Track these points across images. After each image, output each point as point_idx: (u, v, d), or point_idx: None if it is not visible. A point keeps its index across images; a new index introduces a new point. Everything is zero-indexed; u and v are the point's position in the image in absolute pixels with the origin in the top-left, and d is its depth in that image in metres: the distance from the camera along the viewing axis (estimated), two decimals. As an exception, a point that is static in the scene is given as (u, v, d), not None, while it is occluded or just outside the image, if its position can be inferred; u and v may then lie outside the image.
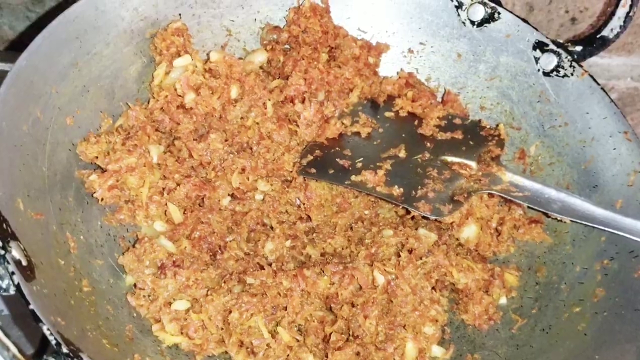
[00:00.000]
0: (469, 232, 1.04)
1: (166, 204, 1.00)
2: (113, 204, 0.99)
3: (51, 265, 0.82)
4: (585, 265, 0.99)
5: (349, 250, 1.01)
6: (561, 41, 1.12)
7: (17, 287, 0.69)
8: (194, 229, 0.99)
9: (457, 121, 1.14)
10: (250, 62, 1.16)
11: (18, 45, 1.50)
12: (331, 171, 1.05)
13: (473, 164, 1.05)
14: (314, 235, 1.05)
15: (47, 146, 0.92)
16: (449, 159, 1.06)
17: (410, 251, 0.97)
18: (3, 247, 0.71)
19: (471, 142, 1.08)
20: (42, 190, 0.88)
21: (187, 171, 1.04)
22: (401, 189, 1.02)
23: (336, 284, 0.93)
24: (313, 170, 1.06)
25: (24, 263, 0.74)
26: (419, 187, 1.02)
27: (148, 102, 1.08)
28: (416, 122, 1.13)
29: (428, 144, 1.08)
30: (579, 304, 0.95)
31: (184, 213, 1.02)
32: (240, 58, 1.18)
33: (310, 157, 1.08)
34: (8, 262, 0.70)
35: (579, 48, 1.11)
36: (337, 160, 1.07)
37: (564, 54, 1.11)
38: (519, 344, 0.96)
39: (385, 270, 0.93)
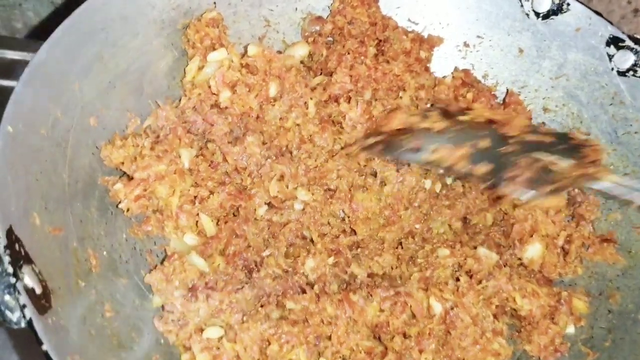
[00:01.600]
0: (533, 250, 0.93)
1: (198, 214, 0.91)
2: (140, 214, 0.89)
3: (69, 289, 0.73)
4: (668, 294, 0.88)
5: (400, 270, 0.91)
6: (639, 37, 1.00)
7: (29, 323, 0.60)
8: (229, 242, 0.89)
9: (543, 129, 1.00)
10: (290, 57, 1.06)
11: (41, 32, 1.42)
12: (399, 150, 0.92)
13: (569, 162, 0.88)
14: (359, 250, 0.95)
15: (68, 150, 0.83)
16: (540, 156, 0.89)
17: (469, 274, 0.86)
18: (14, 274, 0.62)
19: (563, 146, 0.92)
20: (62, 200, 0.79)
21: (221, 177, 0.95)
22: (491, 165, 0.87)
23: (387, 311, 0.83)
24: (380, 147, 0.93)
25: (38, 291, 0.65)
26: (509, 169, 0.87)
27: (179, 101, 0.98)
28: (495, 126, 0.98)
29: (514, 141, 0.92)
30: (661, 339, 0.84)
31: (217, 224, 0.92)
32: (279, 51, 1.08)
33: (373, 140, 0.95)
34: (19, 293, 0.61)
35: (660, 45, 0.98)
36: (406, 143, 0.93)
37: (643, 52, 0.98)
38: (591, 383, 0.85)
39: (442, 296, 0.83)
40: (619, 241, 0.96)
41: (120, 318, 0.79)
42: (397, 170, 0.98)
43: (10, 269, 0.62)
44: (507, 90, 1.10)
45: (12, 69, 1.13)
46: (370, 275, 0.91)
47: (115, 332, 0.76)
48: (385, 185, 0.98)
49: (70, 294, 0.72)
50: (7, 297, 0.61)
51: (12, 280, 0.61)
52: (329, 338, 0.82)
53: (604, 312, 0.93)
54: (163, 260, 0.87)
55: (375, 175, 1.00)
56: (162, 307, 0.84)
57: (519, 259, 0.94)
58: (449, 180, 1.04)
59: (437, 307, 0.83)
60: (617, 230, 0.97)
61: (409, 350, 0.81)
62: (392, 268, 0.92)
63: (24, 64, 0.87)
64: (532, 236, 0.93)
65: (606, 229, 0.98)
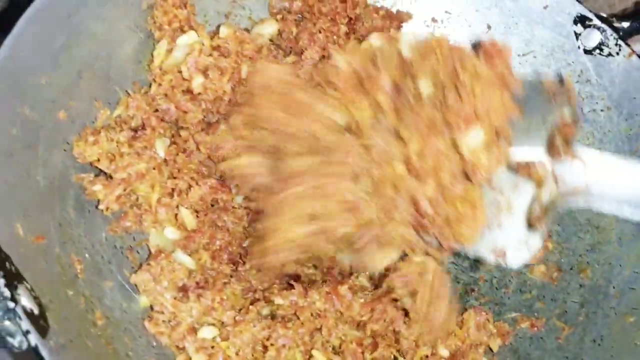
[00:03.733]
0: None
1: (177, 208, 0.88)
2: (118, 210, 0.86)
3: (60, 301, 0.70)
4: (637, 268, 0.92)
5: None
6: (605, 15, 1.02)
7: (35, 350, 0.57)
8: (212, 236, 0.87)
9: None
10: (259, 35, 1.02)
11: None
12: None
13: (542, 155, 0.82)
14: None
15: (40, 150, 0.78)
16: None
17: None
18: (12, 298, 0.59)
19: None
20: (40, 205, 0.75)
21: (197, 167, 0.92)
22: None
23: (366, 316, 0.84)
24: None
25: (36, 311, 0.62)
26: None
27: (149, 87, 0.94)
28: None
29: None
30: (632, 313, 0.89)
31: (196, 216, 0.90)
32: (246, 29, 1.04)
33: None
34: (20, 318, 0.58)
35: (626, 24, 1.00)
36: None
37: (609, 31, 1.00)
38: (568, 357, 0.90)
39: None
40: (588, 217, 1.00)
41: (111, 324, 0.76)
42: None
43: (7, 293, 0.58)
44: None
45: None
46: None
47: (109, 340, 0.74)
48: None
49: (60, 306, 0.69)
50: (7, 323, 0.58)
51: (11, 304, 0.58)
52: (320, 330, 0.82)
53: (576, 287, 0.97)
54: (148, 257, 0.85)
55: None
56: (151, 307, 0.82)
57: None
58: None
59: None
60: (585, 207, 1.01)
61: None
62: None
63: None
64: None
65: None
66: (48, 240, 0.74)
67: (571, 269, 0.99)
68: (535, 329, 0.94)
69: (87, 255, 0.80)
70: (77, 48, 0.84)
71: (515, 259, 0.83)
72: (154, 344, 0.80)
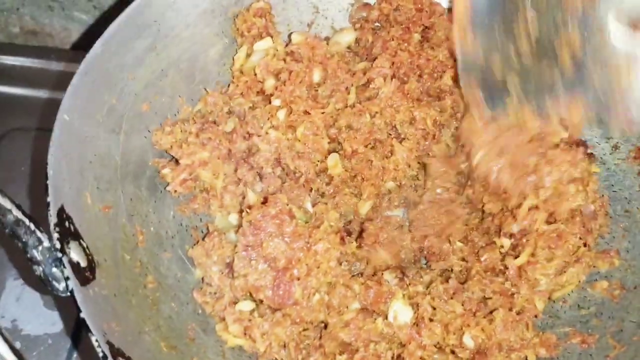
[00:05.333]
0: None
1: (242, 195, 0.97)
2: (188, 193, 0.97)
3: (115, 262, 0.81)
4: None
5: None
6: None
7: (71, 292, 0.69)
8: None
9: None
10: (336, 43, 1.09)
11: (41, 36, 1.49)
12: None
13: None
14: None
15: (122, 135, 0.91)
16: None
17: None
18: (61, 250, 0.71)
19: None
20: (113, 181, 0.88)
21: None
22: None
23: None
24: None
25: (84, 264, 0.73)
26: None
27: (228, 87, 1.04)
28: None
29: None
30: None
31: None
32: (327, 37, 1.11)
33: None
34: (64, 266, 0.70)
35: None
36: None
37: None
38: (615, 377, 0.86)
39: None
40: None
41: (162, 289, 0.87)
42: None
43: (58, 245, 0.70)
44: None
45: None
46: None
47: (155, 301, 0.84)
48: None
49: (115, 266, 0.81)
50: (54, 269, 0.70)
51: (59, 255, 0.70)
52: None
53: (637, 306, 0.92)
54: (205, 236, 0.95)
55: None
56: (202, 279, 0.92)
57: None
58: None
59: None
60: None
61: None
62: None
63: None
64: None
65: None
66: (115, 210, 0.86)
67: (635, 287, 0.93)
68: (586, 345, 0.90)
69: (152, 228, 0.91)
70: (163, 50, 0.96)
71: None
72: (199, 312, 0.90)
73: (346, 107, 1.01)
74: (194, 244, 0.94)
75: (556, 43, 0.82)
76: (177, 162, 0.95)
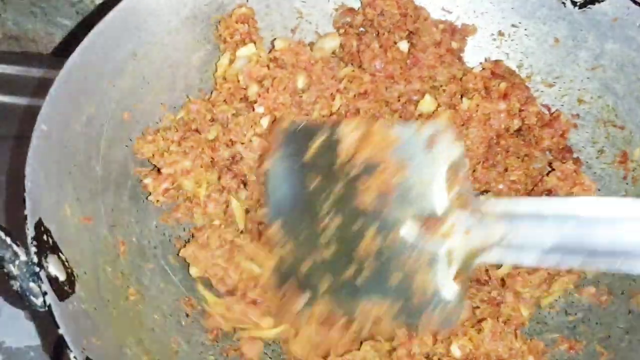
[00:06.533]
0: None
1: (225, 204, 0.96)
2: (170, 202, 0.95)
3: (96, 275, 0.80)
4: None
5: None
6: (680, 28, 0.96)
7: (49, 308, 0.67)
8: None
9: None
10: (320, 49, 1.08)
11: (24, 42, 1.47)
12: None
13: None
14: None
15: (102, 144, 0.89)
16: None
17: None
18: (39, 264, 0.69)
19: None
20: (94, 192, 0.86)
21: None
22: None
23: None
24: None
25: (62, 278, 0.72)
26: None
27: (211, 93, 1.03)
28: None
29: None
30: (677, 344, 0.83)
31: (246, 212, 0.98)
32: (311, 42, 1.10)
33: None
34: (42, 281, 0.68)
35: (702, 38, 0.94)
36: None
37: (682, 43, 0.94)
38: (601, 384, 0.85)
39: None
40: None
41: (144, 301, 0.85)
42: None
43: (35, 259, 0.69)
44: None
45: None
46: None
47: (137, 314, 0.83)
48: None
49: (95, 279, 0.79)
50: (31, 284, 0.68)
51: (37, 269, 0.69)
52: None
53: (624, 312, 0.91)
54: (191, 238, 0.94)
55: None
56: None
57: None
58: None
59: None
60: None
61: None
62: None
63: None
64: None
65: None
66: (95, 222, 0.84)
67: (622, 293, 0.93)
68: (573, 351, 0.89)
69: (134, 239, 0.90)
70: (144, 57, 0.95)
71: None
72: (183, 323, 0.88)
73: (331, 114, 1.00)
74: (181, 248, 0.92)
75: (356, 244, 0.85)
76: (159, 171, 0.93)
